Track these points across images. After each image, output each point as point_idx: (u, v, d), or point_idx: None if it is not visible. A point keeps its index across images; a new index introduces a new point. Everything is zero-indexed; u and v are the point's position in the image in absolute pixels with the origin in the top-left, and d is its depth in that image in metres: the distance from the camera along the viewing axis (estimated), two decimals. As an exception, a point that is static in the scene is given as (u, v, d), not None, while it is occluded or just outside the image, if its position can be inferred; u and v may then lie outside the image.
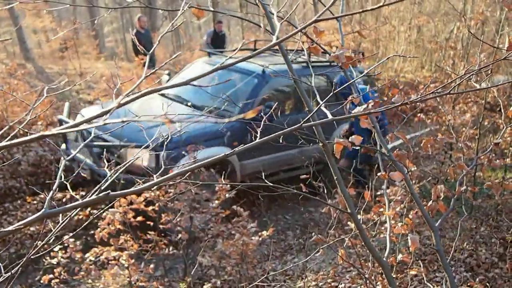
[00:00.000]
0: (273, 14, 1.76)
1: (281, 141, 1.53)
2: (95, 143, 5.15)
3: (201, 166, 1.37)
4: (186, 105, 6.09)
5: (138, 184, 1.37)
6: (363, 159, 5.62)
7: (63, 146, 6.01)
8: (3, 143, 0.90)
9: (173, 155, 4.96)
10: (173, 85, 1.09)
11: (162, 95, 6.45)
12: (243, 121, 5.45)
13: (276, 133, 1.30)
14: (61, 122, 5.98)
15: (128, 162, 1.86)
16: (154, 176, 1.44)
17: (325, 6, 1.42)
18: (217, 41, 11.50)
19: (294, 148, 5.73)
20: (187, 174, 1.35)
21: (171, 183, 3.45)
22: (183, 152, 4.80)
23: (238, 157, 5.83)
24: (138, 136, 4.21)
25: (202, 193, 4.59)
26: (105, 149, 5.27)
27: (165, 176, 1.31)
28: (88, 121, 0.95)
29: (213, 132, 5.52)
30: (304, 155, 6.44)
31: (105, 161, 5.15)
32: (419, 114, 6.97)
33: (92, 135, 1.74)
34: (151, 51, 1.29)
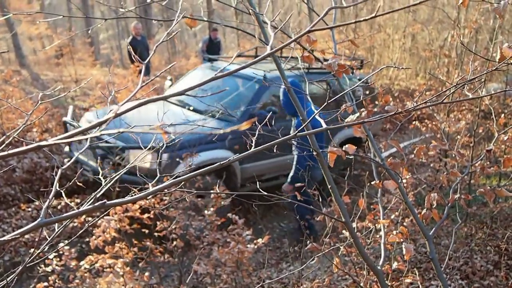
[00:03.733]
0: (266, 23, 1.77)
1: (274, 150, 1.54)
2: (99, 144, 5.17)
3: (200, 174, 1.38)
4: (188, 109, 6.16)
5: (134, 193, 1.37)
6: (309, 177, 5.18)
7: (67, 148, 6.03)
8: (0, 154, 0.90)
9: (178, 157, 5.05)
10: (170, 95, 1.10)
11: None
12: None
13: (272, 142, 1.31)
14: (65, 124, 6.01)
15: (130, 165, 1.87)
16: (150, 184, 1.45)
17: (318, 16, 1.44)
18: (212, 48, 11.55)
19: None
20: (182, 183, 1.36)
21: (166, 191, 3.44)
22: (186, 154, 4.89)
23: (239, 161, 5.81)
24: (141, 138, 4.21)
25: (197, 201, 4.59)
26: (108, 151, 5.30)
27: (161, 185, 1.32)
28: (84, 131, 0.95)
29: (215, 135, 5.52)
30: (282, 164, 6.30)
31: (110, 163, 5.20)
32: (414, 122, 7.00)
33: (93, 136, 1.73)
34: (147, 60, 1.30)
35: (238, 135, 5.67)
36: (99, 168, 2.04)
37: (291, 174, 5.23)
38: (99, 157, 5.24)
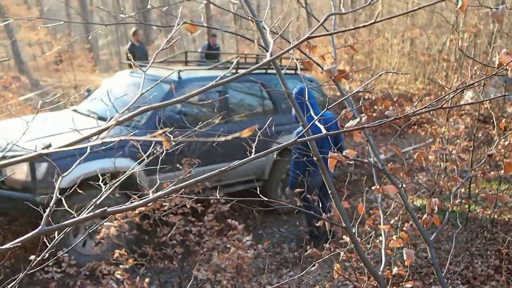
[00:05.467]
0: (266, 29, 1.78)
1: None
2: None
3: (198, 181, 1.38)
4: (93, 118, 5.62)
5: (134, 200, 1.37)
6: (310, 181, 4.73)
7: None
8: (1, 163, 0.90)
9: (60, 166, 4.55)
10: (170, 102, 1.10)
11: (74, 110, 6.23)
12: (146, 130, 5.12)
13: (269, 150, 1.31)
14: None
15: (123, 177, 1.87)
16: (150, 191, 1.44)
17: (318, 21, 1.44)
18: (211, 54, 11.58)
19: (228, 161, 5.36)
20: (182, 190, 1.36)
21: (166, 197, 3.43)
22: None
23: (146, 171, 5.02)
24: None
25: (197, 206, 4.59)
26: None
27: (160, 192, 1.32)
28: (86, 139, 0.95)
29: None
30: (239, 171, 5.92)
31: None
32: (413, 126, 7.01)
33: None
34: (146, 69, 1.30)
35: (142, 142, 5.20)
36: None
37: (290, 179, 5.24)
38: None
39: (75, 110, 6.21)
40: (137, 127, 5.26)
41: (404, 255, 2.19)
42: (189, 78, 5.75)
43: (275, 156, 6.15)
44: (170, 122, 5.08)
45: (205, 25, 2.01)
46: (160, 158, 1.88)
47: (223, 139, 0.81)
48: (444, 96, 1.91)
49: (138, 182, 4.74)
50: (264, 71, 6.53)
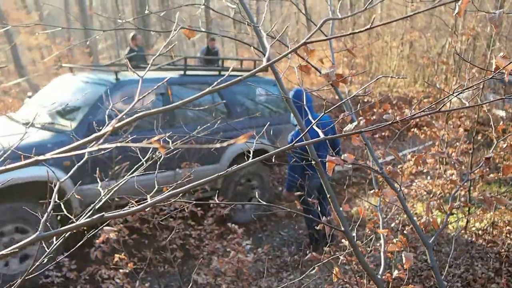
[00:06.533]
0: (263, 34, 1.78)
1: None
2: None
3: (197, 186, 1.38)
4: (19, 123, 5.35)
5: (132, 205, 1.37)
6: (308, 185, 4.73)
7: None
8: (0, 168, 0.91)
9: None
10: (167, 108, 1.10)
11: (8, 116, 5.85)
12: (75, 135, 4.92)
13: (267, 154, 1.31)
14: None
15: (122, 181, 1.87)
16: (148, 196, 1.45)
17: (316, 25, 1.44)
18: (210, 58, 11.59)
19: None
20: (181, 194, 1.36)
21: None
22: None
23: (73, 179, 4.55)
24: None
25: (197, 210, 4.59)
26: None
27: (159, 197, 1.32)
28: (82, 145, 0.96)
29: (31, 147, 3.88)
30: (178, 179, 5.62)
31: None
32: (412, 129, 7.01)
33: None
34: (143, 74, 1.31)
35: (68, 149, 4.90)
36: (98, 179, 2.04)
37: (286, 181, 5.25)
38: None
39: (8, 116, 5.81)
40: (65, 132, 4.85)
41: (403, 258, 2.19)
42: (128, 80, 5.41)
43: (227, 164, 6.02)
44: (102, 126, 4.75)
45: (203, 30, 2.02)
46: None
47: (218, 145, 0.81)
48: (443, 99, 1.92)
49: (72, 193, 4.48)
50: (217, 73, 6.40)
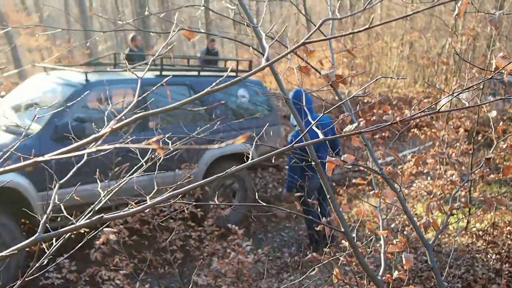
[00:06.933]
0: (262, 34, 1.78)
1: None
2: None
3: (196, 187, 1.38)
4: None
5: (132, 207, 1.37)
6: (309, 185, 4.57)
7: None
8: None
9: None
10: (164, 110, 1.10)
11: None
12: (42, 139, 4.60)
13: (265, 156, 1.30)
14: None
15: (121, 182, 1.86)
16: (147, 197, 1.44)
17: (315, 26, 1.44)
18: (210, 58, 11.60)
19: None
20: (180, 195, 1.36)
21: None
22: None
23: (36, 186, 4.50)
24: None
25: (197, 211, 4.58)
26: None
27: (159, 198, 1.32)
28: (81, 146, 0.96)
29: None
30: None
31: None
32: (412, 130, 7.00)
33: None
34: (142, 75, 1.31)
35: (29, 152, 4.29)
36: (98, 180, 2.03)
37: (286, 182, 5.27)
38: None
39: None
40: (29, 135, 4.65)
41: (403, 259, 2.19)
42: (97, 81, 5.20)
43: (205, 168, 5.79)
44: (66, 130, 4.49)
45: (202, 31, 2.01)
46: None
47: (217, 146, 0.81)
48: (441, 100, 1.91)
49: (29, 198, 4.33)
50: (196, 73, 6.19)
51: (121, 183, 1.81)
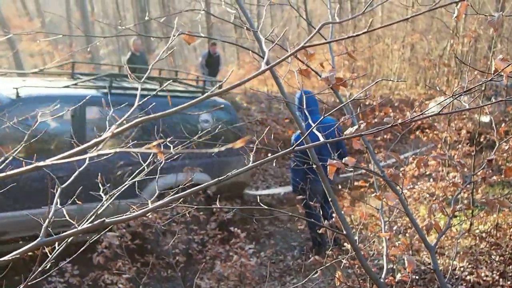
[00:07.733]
0: (262, 38, 1.78)
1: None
2: None
3: (196, 191, 1.38)
4: None
5: (134, 210, 1.38)
6: (312, 188, 4.48)
7: None
8: (1, 175, 0.91)
9: None
10: (164, 114, 1.10)
11: None
12: None
13: (267, 158, 1.31)
14: None
15: (124, 185, 1.87)
16: (149, 201, 1.45)
17: (315, 29, 1.44)
18: (211, 63, 11.63)
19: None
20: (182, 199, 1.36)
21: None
22: None
23: None
24: None
25: (199, 214, 4.58)
26: None
27: (160, 202, 1.32)
28: (82, 150, 0.96)
29: None
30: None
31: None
32: (415, 132, 6.99)
33: None
34: (142, 79, 1.31)
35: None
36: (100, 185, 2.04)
37: (291, 183, 5.31)
38: None
39: None
40: None
41: (406, 261, 2.19)
42: (29, 98, 4.65)
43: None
44: None
45: (203, 35, 2.02)
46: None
47: (217, 149, 0.81)
48: (444, 101, 1.91)
49: None
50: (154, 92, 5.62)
51: (123, 187, 1.82)
